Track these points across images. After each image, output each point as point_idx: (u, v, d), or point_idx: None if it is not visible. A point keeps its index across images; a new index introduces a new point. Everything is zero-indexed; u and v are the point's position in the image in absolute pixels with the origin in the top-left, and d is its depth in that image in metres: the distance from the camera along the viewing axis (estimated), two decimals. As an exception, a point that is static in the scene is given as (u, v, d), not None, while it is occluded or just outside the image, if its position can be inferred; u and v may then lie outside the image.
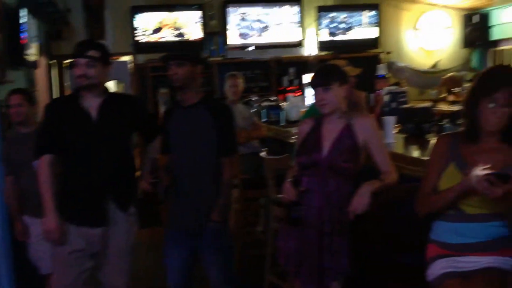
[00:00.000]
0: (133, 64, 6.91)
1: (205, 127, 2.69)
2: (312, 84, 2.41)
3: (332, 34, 7.20)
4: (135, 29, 6.66)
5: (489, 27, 7.12)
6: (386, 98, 4.66)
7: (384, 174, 2.33)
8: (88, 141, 2.51)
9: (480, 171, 1.76)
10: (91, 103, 2.52)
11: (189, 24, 6.80)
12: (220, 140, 2.70)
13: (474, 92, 1.96)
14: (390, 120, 3.48)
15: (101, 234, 2.53)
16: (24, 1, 4.41)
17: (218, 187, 2.70)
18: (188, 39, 6.72)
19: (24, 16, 4.31)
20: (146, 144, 2.85)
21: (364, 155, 2.38)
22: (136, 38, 6.67)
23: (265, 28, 7.06)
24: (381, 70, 6.33)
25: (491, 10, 7.08)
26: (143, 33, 6.69)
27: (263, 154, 3.62)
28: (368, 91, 4.54)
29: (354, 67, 3.24)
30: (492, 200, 1.78)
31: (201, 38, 6.81)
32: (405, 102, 4.68)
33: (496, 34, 7.08)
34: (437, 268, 1.94)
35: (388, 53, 7.27)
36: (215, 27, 6.91)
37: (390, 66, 6.98)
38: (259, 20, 7.04)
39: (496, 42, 7.15)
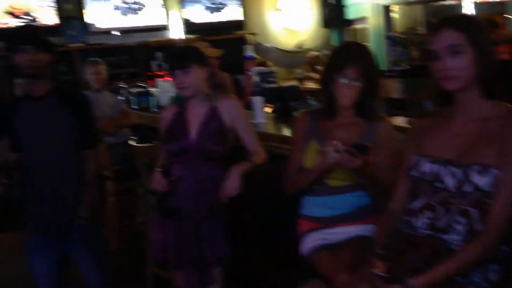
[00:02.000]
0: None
1: (58, 119, 2.49)
2: (171, 67, 2.35)
3: (196, 16, 7.14)
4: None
5: (344, 7, 7.56)
6: (255, 78, 4.76)
7: (253, 155, 2.35)
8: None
9: (337, 145, 1.82)
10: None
11: (41, 8, 6.29)
12: (79, 132, 2.53)
13: (328, 69, 2.04)
14: (258, 100, 3.54)
15: None
16: None
17: (81, 181, 2.55)
18: (36, 24, 6.22)
19: None
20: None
21: (232, 137, 2.39)
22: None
23: (129, 11, 6.79)
24: (249, 51, 6.43)
25: (345, -10, 7.52)
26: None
27: (133, 142, 3.49)
28: (237, 72, 4.59)
29: (216, 48, 3.24)
30: (353, 171, 1.88)
31: (56, 24, 6.34)
32: (274, 82, 4.82)
33: (351, 14, 7.54)
34: (309, 242, 2.01)
35: (254, 34, 7.41)
36: (71, 11, 6.47)
37: (257, 47, 7.12)
38: (121, 3, 6.74)
39: (351, 21, 7.62)
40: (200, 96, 2.35)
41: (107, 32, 6.68)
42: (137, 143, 3.47)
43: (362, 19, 7.45)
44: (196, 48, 2.43)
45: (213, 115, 2.33)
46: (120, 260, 3.65)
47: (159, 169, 2.33)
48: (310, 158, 1.99)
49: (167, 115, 2.42)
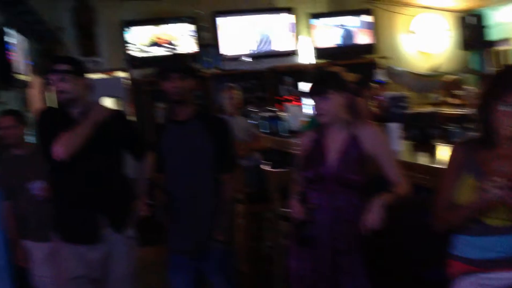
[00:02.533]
0: (128, 80, 6.82)
1: (201, 143, 2.59)
2: (309, 93, 2.32)
3: (326, 41, 7.13)
4: (128, 43, 6.58)
5: (486, 28, 7.06)
6: (386, 103, 4.59)
7: (395, 186, 2.23)
8: (75, 157, 2.38)
9: (499, 181, 1.65)
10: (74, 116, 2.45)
11: (182, 37, 6.72)
12: (219, 157, 2.60)
13: (486, 96, 1.88)
14: (395, 127, 3.39)
15: (100, 258, 2.45)
16: (11, 20, 4.32)
17: (219, 204, 2.60)
18: (181, 53, 6.64)
19: (12, 35, 4.22)
20: (136, 162, 2.75)
21: (372, 166, 2.28)
22: (129, 53, 6.59)
23: (259, 37, 6.99)
24: (379, 75, 6.26)
25: (486, 10, 7.03)
26: (136, 47, 6.61)
27: (266, 167, 3.53)
28: (367, 97, 4.45)
29: (351, 73, 3.16)
30: None
31: (195, 51, 6.73)
32: (406, 107, 4.60)
33: (493, 34, 7.02)
34: (464, 287, 1.83)
35: (385, 58, 7.21)
36: (208, 39, 6.83)
37: (388, 71, 6.91)
38: (251, 30, 6.96)
39: (494, 43, 7.09)
40: (339, 123, 2.29)
41: (238, 58, 6.93)
42: (269, 168, 3.51)
43: (505, 40, 6.89)
44: (335, 74, 2.37)
45: (353, 143, 2.26)
46: (249, 283, 3.67)
47: (296, 196, 2.30)
48: (465, 193, 1.82)
49: (306, 141, 2.39)
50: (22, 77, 4.50)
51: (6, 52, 4.10)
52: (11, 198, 3.00)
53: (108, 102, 6.70)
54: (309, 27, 7.11)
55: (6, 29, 4.12)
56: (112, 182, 2.49)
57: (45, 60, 5.75)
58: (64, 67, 2.40)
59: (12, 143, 3.07)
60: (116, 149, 2.55)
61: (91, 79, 2.58)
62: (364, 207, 2.15)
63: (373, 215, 2.10)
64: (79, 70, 2.47)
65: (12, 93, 4.34)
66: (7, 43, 4.13)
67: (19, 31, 4.53)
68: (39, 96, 5.56)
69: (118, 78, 6.98)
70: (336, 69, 2.82)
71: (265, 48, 7.00)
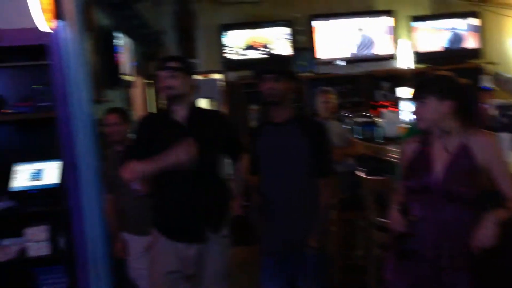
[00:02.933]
0: (224, 82, 6.97)
1: (297, 145, 2.55)
2: (412, 97, 2.20)
3: (427, 45, 6.80)
4: (225, 47, 6.71)
5: None
6: (494, 112, 4.28)
7: (510, 200, 2.03)
8: None
9: None
10: (179, 118, 2.50)
11: (277, 41, 6.74)
12: (316, 160, 2.54)
13: None
14: (506, 137, 3.14)
15: (196, 255, 2.47)
16: (119, 24, 4.55)
17: (313, 209, 2.54)
18: (277, 55, 6.66)
19: (120, 38, 4.45)
20: (233, 164, 2.75)
21: (484, 178, 2.10)
22: (226, 56, 6.72)
23: (358, 41, 6.83)
24: (485, 82, 5.87)
25: None
26: (233, 50, 6.73)
27: (360, 173, 3.41)
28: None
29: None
30: None
31: (290, 54, 6.72)
32: (516, 116, 4.25)
33: None
34: None
35: (492, 63, 6.74)
36: (303, 43, 6.79)
37: (495, 77, 6.45)
38: (349, 33, 6.82)
39: None
40: (445, 130, 2.13)
41: (333, 62, 6.81)
42: (364, 174, 3.38)
43: None
44: (439, 78, 2.19)
45: (464, 153, 2.09)
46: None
47: (397, 206, 2.18)
48: None
49: (409, 149, 2.26)
50: (126, 78, 4.73)
51: (114, 54, 4.33)
52: (113, 192, 3.14)
53: (204, 103, 6.91)
54: (409, 30, 6.83)
55: (114, 33, 4.36)
56: (212, 182, 2.52)
57: (148, 61, 6.04)
58: (174, 64, 2.47)
59: (116, 139, 3.20)
60: (216, 149, 2.57)
61: (198, 80, 2.63)
62: (474, 223, 1.98)
63: (485, 232, 1.93)
64: (188, 69, 2.53)
65: (116, 92, 4.58)
66: (115, 45, 4.36)
67: (126, 34, 4.77)
68: (141, 95, 5.84)
69: (214, 80, 7.16)
70: (445, 73, 2.66)
71: (364, 52, 6.83)
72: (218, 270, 2.53)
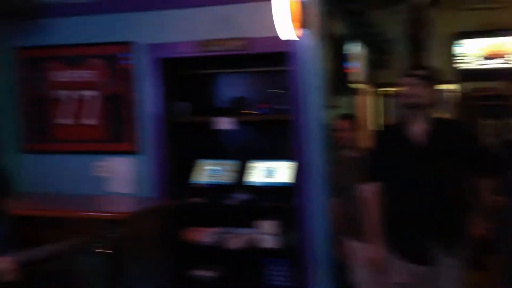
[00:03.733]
0: (454, 93, 6.55)
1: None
2: None
3: None
4: (458, 56, 6.31)
5: None
6: None
7: None
8: (416, 169, 2.37)
9: None
10: (419, 129, 2.40)
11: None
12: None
13: None
14: None
15: (427, 275, 2.34)
16: (354, 31, 4.60)
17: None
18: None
19: (351, 45, 4.50)
20: (476, 179, 2.51)
21: None
22: (457, 65, 6.31)
23: None
24: None
25: None
26: (467, 60, 6.29)
27: None
28: None
29: None
30: None
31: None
32: None
33: None
34: None
35: None
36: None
37: None
38: None
39: None
40: None
41: None
42: None
43: None
44: None
45: None
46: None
47: None
48: None
49: None
50: (354, 85, 4.76)
51: (344, 61, 4.40)
52: (341, 196, 3.16)
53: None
54: None
55: (347, 40, 4.42)
56: (453, 201, 2.37)
57: (377, 69, 6.02)
58: (420, 72, 2.42)
59: (345, 145, 3.23)
60: (461, 163, 2.40)
61: (441, 92, 2.52)
62: None
63: None
64: (433, 79, 2.45)
65: (345, 98, 4.64)
66: (345, 53, 4.43)
67: (360, 41, 4.80)
68: (368, 103, 5.84)
69: (439, 90, 6.77)
70: None
71: None
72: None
